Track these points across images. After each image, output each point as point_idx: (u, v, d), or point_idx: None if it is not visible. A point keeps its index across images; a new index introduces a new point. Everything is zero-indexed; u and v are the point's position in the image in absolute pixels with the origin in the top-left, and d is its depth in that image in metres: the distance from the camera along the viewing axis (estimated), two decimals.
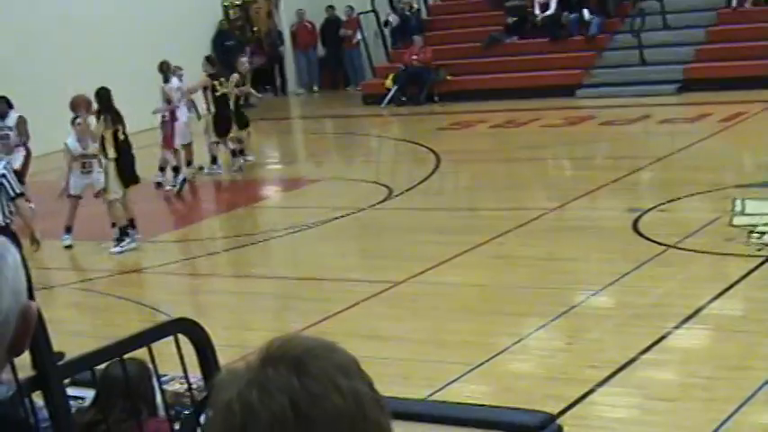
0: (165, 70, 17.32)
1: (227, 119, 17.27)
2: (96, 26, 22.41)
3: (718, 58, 21.56)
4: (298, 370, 1.49)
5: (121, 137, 13.15)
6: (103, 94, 13.23)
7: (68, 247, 13.33)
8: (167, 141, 17.02)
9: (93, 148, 13.49)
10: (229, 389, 1.51)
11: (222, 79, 17.27)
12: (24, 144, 15.29)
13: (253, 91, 18.75)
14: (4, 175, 9.45)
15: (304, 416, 1.47)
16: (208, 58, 18.02)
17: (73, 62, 20.81)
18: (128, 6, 23.27)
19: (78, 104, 13.57)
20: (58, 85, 17.99)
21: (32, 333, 1.69)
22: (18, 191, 9.56)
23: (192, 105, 17.93)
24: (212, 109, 17.41)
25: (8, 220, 9.50)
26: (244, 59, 18.62)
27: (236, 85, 17.36)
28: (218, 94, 17.17)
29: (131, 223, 13.19)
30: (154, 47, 21.43)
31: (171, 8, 24.08)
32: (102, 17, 22.58)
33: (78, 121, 13.56)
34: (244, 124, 17.79)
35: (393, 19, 25.74)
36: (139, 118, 18.06)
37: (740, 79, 20.38)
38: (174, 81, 17.32)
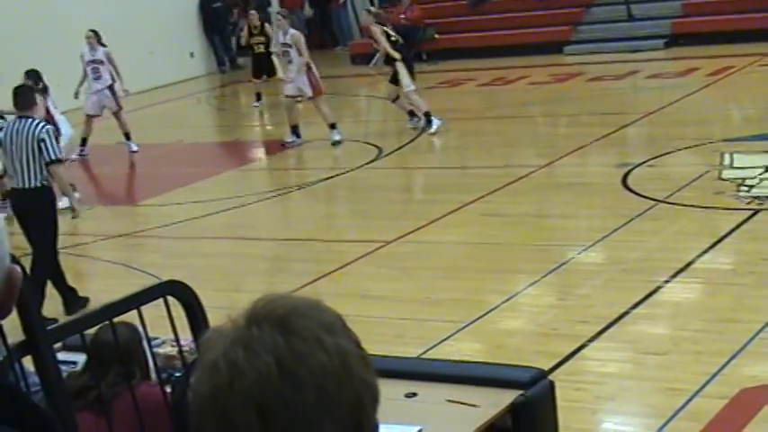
0: None
1: None
2: None
3: (706, 12, 21.50)
4: (283, 328, 1.50)
5: None
6: None
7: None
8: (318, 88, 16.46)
9: None
10: (215, 348, 1.52)
11: None
12: None
13: None
14: (43, 140, 9.42)
15: (289, 374, 1.47)
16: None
17: (56, 21, 20.68)
18: None
19: None
20: (39, 48, 17.93)
21: (17, 296, 1.69)
22: (54, 156, 9.50)
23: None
24: None
25: (45, 182, 9.51)
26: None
27: None
28: None
29: None
30: (141, 11, 21.35)
31: None
32: None
33: None
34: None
35: None
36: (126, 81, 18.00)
37: (727, 33, 20.35)
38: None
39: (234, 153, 17.33)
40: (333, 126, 16.09)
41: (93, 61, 17.11)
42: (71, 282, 9.87)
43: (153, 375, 4.94)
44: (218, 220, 12.88)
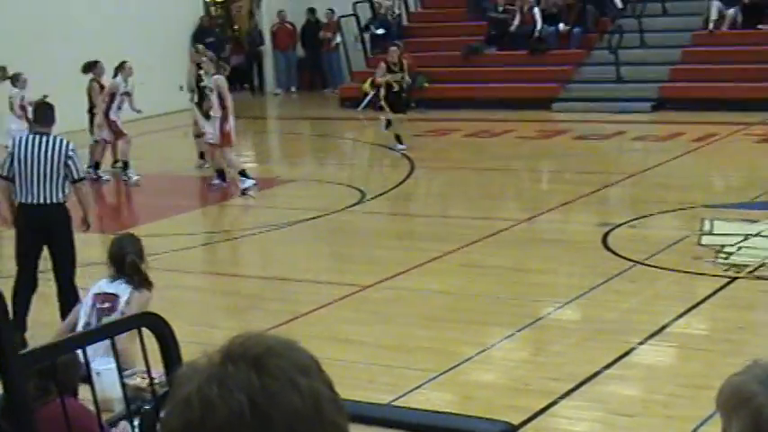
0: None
1: None
2: (76, 21, 22.33)
3: (693, 78, 21.70)
4: (258, 368, 1.50)
5: None
6: None
7: None
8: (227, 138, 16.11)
9: None
10: (189, 383, 1.52)
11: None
12: None
13: None
14: (71, 157, 9.50)
15: (262, 413, 1.48)
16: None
17: (50, 55, 20.71)
18: (108, 1, 23.19)
19: None
20: (34, 78, 17.90)
21: None
22: (82, 174, 9.70)
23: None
24: None
25: (64, 199, 9.58)
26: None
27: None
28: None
29: None
30: (134, 42, 21.39)
31: (152, 4, 24.02)
32: (81, 11, 22.51)
33: None
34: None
35: (377, 28, 25.71)
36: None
37: (713, 101, 20.54)
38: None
39: (217, 188, 17.29)
40: (242, 173, 16.01)
41: (126, 93, 17.34)
42: (46, 305, 9.82)
43: (121, 406, 4.92)
44: (197, 254, 12.86)
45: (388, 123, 18.89)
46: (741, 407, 1.69)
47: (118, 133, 17.24)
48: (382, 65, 18.87)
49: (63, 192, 9.55)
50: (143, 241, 8.02)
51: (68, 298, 9.64)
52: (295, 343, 1.57)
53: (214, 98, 15.91)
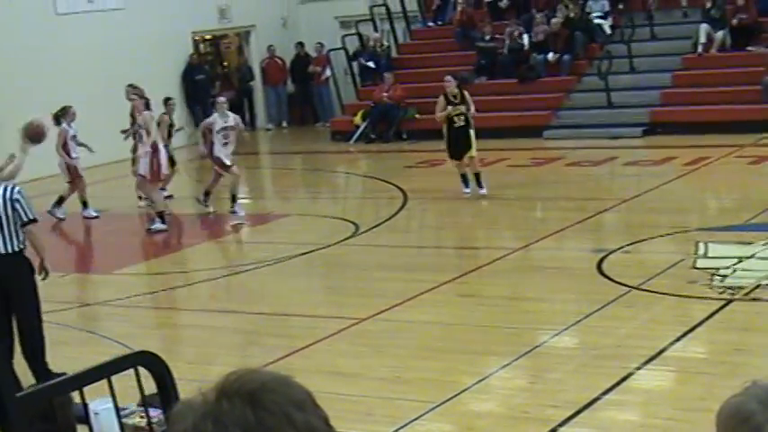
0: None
1: None
2: (66, 59, 22.39)
3: (684, 102, 21.77)
4: (253, 403, 1.51)
5: None
6: None
7: None
8: (155, 174, 16.53)
9: None
10: (185, 421, 1.52)
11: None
12: None
13: None
14: (17, 200, 9.26)
15: None
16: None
17: (40, 94, 20.74)
18: (97, 39, 23.26)
19: None
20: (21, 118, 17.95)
21: None
22: (31, 216, 9.35)
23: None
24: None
25: (22, 246, 9.31)
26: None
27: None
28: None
29: None
30: (123, 80, 21.43)
31: (141, 42, 24.09)
32: (70, 49, 22.58)
33: None
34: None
35: (368, 61, 25.79)
36: (109, 150, 18.05)
37: (705, 124, 20.60)
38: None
39: (211, 225, 17.31)
40: (160, 215, 16.19)
41: (224, 128, 17.16)
42: (48, 347, 9.77)
43: None
44: (192, 291, 12.85)
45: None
46: (740, 426, 1.70)
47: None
48: (441, 98, 16.60)
49: (18, 239, 9.26)
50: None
51: (32, 343, 9.36)
52: (289, 378, 1.58)
53: (144, 135, 16.35)
